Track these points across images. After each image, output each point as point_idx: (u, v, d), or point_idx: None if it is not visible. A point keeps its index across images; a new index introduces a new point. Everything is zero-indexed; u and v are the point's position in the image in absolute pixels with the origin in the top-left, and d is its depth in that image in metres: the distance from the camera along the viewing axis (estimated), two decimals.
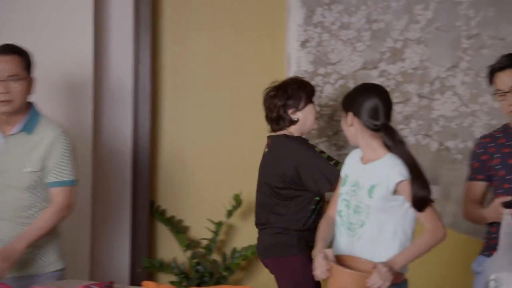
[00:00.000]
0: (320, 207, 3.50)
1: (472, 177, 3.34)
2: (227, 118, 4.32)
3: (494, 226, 3.17)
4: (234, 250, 4.26)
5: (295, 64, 4.24)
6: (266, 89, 3.64)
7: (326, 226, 3.08)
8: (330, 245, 3.04)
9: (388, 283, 2.77)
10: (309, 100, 3.56)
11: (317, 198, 3.50)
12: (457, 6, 4.24)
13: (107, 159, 4.19)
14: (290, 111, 3.53)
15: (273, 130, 3.60)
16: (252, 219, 4.30)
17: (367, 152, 2.99)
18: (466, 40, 4.23)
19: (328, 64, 4.25)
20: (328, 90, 4.22)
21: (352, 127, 2.99)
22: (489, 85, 3.28)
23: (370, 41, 4.24)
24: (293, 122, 3.54)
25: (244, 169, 4.30)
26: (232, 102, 4.32)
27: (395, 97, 4.24)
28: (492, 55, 4.22)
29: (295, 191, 3.46)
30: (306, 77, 4.21)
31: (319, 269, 2.85)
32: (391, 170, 2.88)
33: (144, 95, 4.29)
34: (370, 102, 2.93)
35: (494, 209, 3.09)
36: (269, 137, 3.64)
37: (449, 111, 4.25)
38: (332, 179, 3.34)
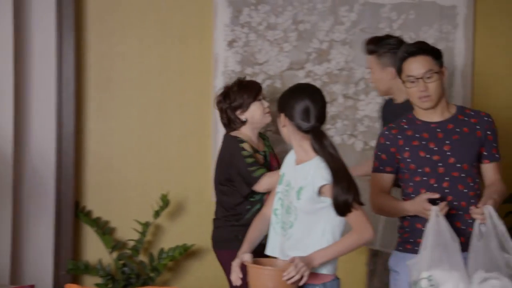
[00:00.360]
0: (259, 205, 3.54)
1: (379, 169, 3.23)
2: (154, 118, 4.24)
3: (407, 219, 3.14)
4: (162, 251, 4.18)
5: (223, 64, 4.19)
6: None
7: (257, 226, 3.07)
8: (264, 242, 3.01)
9: (305, 278, 2.77)
10: (254, 98, 3.65)
11: (252, 199, 3.52)
12: (380, 9, 4.29)
13: (29, 159, 4.05)
14: (237, 113, 3.66)
15: (228, 133, 3.72)
16: (179, 219, 4.24)
17: (300, 153, 2.98)
18: None
19: (255, 64, 4.22)
20: None
21: (285, 128, 2.98)
22: (398, 73, 3.14)
23: (296, 41, 4.24)
24: (243, 123, 3.66)
25: (172, 169, 4.24)
26: (159, 101, 4.23)
27: None
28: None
29: (230, 188, 3.59)
30: (233, 77, 4.17)
31: (234, 275, 2.88)
32: (316, 173, 2.87)
33: (68, 94, 4.16)
34: (301, 104, 2.91)
35: (419, 203, 3.03)
36: None
37: (373, 112, 4.29)
38: (250, 182, 3.51)
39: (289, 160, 3.05)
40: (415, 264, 2.93)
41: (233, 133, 3.65)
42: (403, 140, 3.16)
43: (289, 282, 2.75)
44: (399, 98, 3.65)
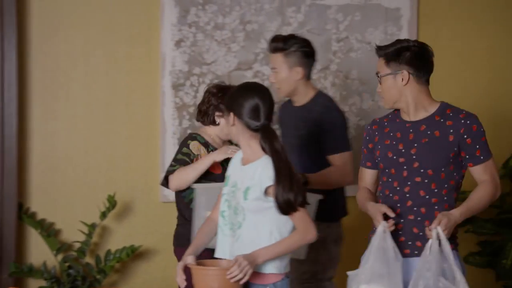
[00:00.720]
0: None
1: (362, 163, 3.22)
2: (101, 118, 4.14)
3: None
4: (108, 253, 4.08)
5: (170, 63, 4.12)
6: (212, 83, 3.66)
7: (203, 230, 3.01)
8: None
9: (247, 277, 2.73)
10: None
11: (191, 197, 3.41)
12: (327, 10, 4.29)
13: None
14: (217, 114, 3.45)
15: (196, 120, 3.58)
16: (127, 220, 4.14)
17: (247, 152, 2.93)
18: (335, 43, 4.28)
19: (203, 64, 4.16)
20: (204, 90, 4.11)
21: (234, 127, 2.92)
22: None
23: (244, 42, 4.20)
24: (214, 123, 3.49)
25: (119, 169, 4.16)
26: (106, 101, 4.13)
27: None
28: (359, 58, 4.30)
29: None
30: (181, 77, 4.10)
31: (178, 278, 2.84)
32: (263, 173, 2.83)
33: (11, 95, 4.03)
34: (250, 102, 2.86)
35: (375, 211, 2.97)
36: None
37: None
38: (165, 177, 3.39)
39: (234, 161, 3.00)
40: (355, 276, 2.90)
41: (199, 130, 3.53)
42: (378, 137, 3.12)
43: (233, 280, 2.71)
44: (301, 101, 3.60)
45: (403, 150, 3.02)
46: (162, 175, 4.05)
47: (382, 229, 2.89)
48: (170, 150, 4.09)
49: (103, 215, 4.02)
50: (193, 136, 3.48)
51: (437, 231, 2.86)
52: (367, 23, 4.32)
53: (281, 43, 3.54)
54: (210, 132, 3.51)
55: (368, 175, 3.20)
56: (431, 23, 4.48)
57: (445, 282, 2.81)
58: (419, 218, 2.96)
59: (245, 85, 2.99)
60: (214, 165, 3.39)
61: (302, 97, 3.57)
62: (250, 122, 2.84)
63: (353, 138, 3.89)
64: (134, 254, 4.10)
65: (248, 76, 4.20)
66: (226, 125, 3.09)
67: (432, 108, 3.04)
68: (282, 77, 3.57)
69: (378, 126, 3.16)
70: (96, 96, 4.13)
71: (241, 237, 2.86)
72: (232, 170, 2.97)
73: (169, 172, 3.37)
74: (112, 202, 4.02)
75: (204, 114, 3.49)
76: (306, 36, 4.18)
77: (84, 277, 4.03)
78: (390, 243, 2.87)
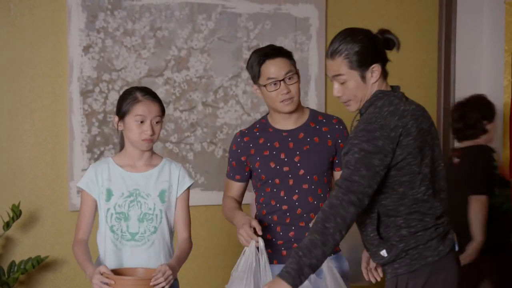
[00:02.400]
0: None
1: (229, 176, 3.13)
2: (5, 124, 3.93)
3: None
4: (12, 264, 3.86)
5: (78, 69, 3.95)
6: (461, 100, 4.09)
7: (83, 251, 2.87)
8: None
9: (169, 285, 2.72)
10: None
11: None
12: (237, 18, 4.23)
13: None
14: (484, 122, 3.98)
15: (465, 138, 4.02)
16: (32, 230, 3.95)
17: (143, 158, 2.88)
18: (246, 51, 4.22)
19: (112, 70, 4.02)
20: (114, 97, 4.00)
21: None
22: (255, 78, 2.98)
23: (154, 48, 4.08)
24: (484, 132, 4.00)
25: (24, 178, 3.95)
26: (10, 107, 3.93)
27: (180, 105, 4.12)
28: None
29: None
30: (89, 83, 3.94)
31: None
32: (182, 173, 2.91)
33: None
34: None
35: (243, 225, 2.85)
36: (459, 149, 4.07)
37: (232, 119, 4.23)
38: None
39: (106, 175, 2.86)
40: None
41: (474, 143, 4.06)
42: (254, 149, 3.04)
43: None
44: None
45: (286, 159, 2.99)
46: (70, 183, 3.90)
47: (254, 245, 2.81)
48: (79, 158, 3.93)
49: (7, 225, 3.80)
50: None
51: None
52: (277, 32, 4.29)
53: None
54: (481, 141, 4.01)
55: (235, 188, 3.13)
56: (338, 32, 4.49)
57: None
58: (310, 225, 2.88)
59: (125, 91, 2.95)
60: None
61: None
62: None
63: None
64: (40, 265, 3.90)
65: (159, 83, 4.08)
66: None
67: (305, 115, 3.06)
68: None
69: (249, 138, 3.07)
70: (0, 102, 3.91)
71: (156, 242, 2.86)
72: (111, 183, 2.88)
73: None
74: (16, 212, 3.81)
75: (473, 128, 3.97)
76: (216, 43, 4.14)
77: None
78: (264, 266, 2.80)
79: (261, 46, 4.19)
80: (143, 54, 4.07)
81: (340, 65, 2.56)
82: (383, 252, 2.55)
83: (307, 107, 3.11)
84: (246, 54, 4.22)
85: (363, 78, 2.56)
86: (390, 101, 2.56)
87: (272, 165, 2.99)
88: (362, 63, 2.54)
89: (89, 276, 2.73)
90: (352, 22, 4.50)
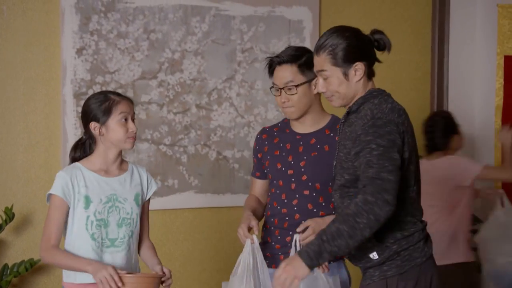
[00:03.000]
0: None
1: (252, 173, 3.15)
2: None
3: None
4: (5, 267, 3.83)
5: (72, 72, 3.93)
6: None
7: (65, 252, 2.82)
8: None
9: None
10: None
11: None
12: (231, 21, 4.21)
13: None
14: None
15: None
16: (26, 233, 3.93)
17: (116, 162, 2.87)
18: (240, 53, 4.21)
19: (106, 72, 3.99)
20: None
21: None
22: (270, 77, 3.02)
23: (148, 51, 4.06)
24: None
25: (17, 180, 3.92)
26: (3, 110, 3.90)
27: (174, 107, 4.10)
28: (263, 69, 4.24)
29: None
30: (83, 86, 3.92)
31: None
32: (150, 178, 2.95)
33: None
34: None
35: (242, 225, 2.83)
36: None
37: (226, 122, 4.21)
38: None
39: (82, 182, 2.79)
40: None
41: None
42: (268, 147, 3.04)
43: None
44: None
45: (292, 162, 2.96)
46: None
47: (249, 243, 2.79)
48: None
49: (0, 228, 3.78)
50: None
51: (295, 237, 2.80)
52: (271, 34, 4.28)
53: None
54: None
55: (257, 185, 3.13)
56: None
57: None
58: (303, 221, 2.88)
59: (96, 94, 2.95)
60: None
61: None
62: None
63: None
64: (33, 268, 3.88)
65: (152, 86, 4.06)
66: None
67: (324, 121, 3.01)
68: None
69: (267, 136, 3.08)
70: None
71: (132, 246, 2.87)
72: (88, 189, 2.82)
73: None
74: (9, 214, 3.78)
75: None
76: (210, 46, 4.12)
77: None
78: (261, 267, 2.79)
79: (254, 48, 4.22)
80: (137, 56, 4.05)
81: (324, 61, 2.54)
82: (373, 255, 2.51)
83: (331, 114, 3.05)
84: (240, 57, 4.21)
85: (346, 75, 2.53)
86: (385, 99, 2.54)
87: (279, 166, 2.98)
88: (345, 60, 2.52)
89: (94, 270, 2.66)
90: (346, 25, 4.49)
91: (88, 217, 2.78)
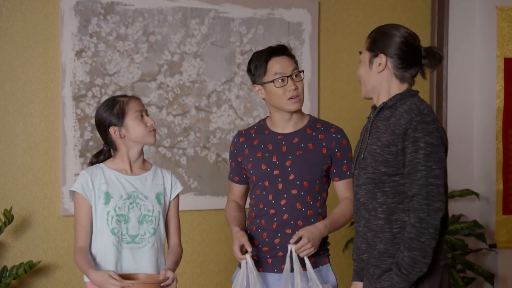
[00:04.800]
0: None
1: (230, 177, 3.11)
2: None
3: None
4: (4, 269, 3.81)
5: (71, 74, 3.91)
6: None
7: (84, 258, 2.82)
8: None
9: None
10: None
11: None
12: (230, 23, 4.19)
13: None
14: None
15: None
16: (25, 235, 3.91)
17: (137, 161, 2.91)
18: (239, 55, 4.19)
19: (105, 75, 3.98)
20: None
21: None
22: (259, 76, 2.94)
23: (147, 53, 4.05)
24: None
25: (16, 183, 3.90)
26: (3, 112, 3.89)
27: (173, 110, 4.08)
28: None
29: None
30: (82, 88, 3.91)
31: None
32: (174, 179, 2.96)
33: None
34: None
35: (234, 246, 2.84)
36: None
37: (225, 124, 4.19)
38: None
39: (102, 179, 2.85)
40: None
41: None
42: (248, 150, 3.01)
43: None
44: None
45: (277, 163, 2.94)
46: (62, 188, 3.87)
47: (245, 263, 2.80)
48: (71, 163, 3.89)
49: None
50: None
51: (290, 247, 2.79)
52: (270, 36, 4.26)
53: None
54: None
55: (236, 189, 3.11)
56: (332, 37, 4.47)
57: None
58: (296, 232, 2.87)
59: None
60: None
61: None
62: None
63: None
64: (32, 270, 3.86)
65: (152, 88, 4.04)
66: None
67: (304, 121, 3.00)
68: None
69: (245, 138, 3.04)
70: None
71: (156, 243, 2.88)
72: (107, 186, 2.86)
73: None
74: (8, 217, 3.76)
75: None
76: (209, 48, 4.11)
77: None
78: (253, 277, 2.79)
79: (254, 50, 4.18)
80: (136, 58, 4.04)
81: (364, 44, 2.58)
82: None
83: (308, 114, 3.06)
84: (239, 59, 4.20)
85: (370, 62, 2.54)
86: (420, 100, 2.55)
87: (263, 167, 2.95)
88: (372, 48, 2.53)
89: (97, 282, 2.69)
90: (345, 27, 4.49)
91: (108, 212, 2.81)
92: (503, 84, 4.66)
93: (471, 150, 4.69)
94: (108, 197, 2.83)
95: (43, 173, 3.92)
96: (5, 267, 3.83)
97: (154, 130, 2.88)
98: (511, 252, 4.72)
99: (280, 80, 2.91)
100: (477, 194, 4.55)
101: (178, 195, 2.99)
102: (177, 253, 2.93)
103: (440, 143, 2.43)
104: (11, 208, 3.77)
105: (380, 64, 2.53)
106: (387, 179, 2.48)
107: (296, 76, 2.93)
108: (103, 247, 2.82)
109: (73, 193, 2.86)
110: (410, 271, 2.40)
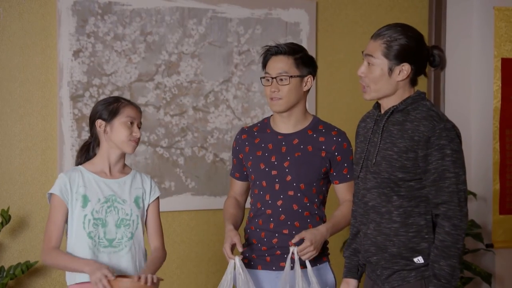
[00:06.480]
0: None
1: (231, 173, 3.12)
2: None
3: None
4: (1, 269, 3.80)
5: (68, 74, 3.90)
6: None
7: (64, 253, 2.81)
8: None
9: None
10: None
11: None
12: (228, 23, 4.18)
13: None
14: None
15: None
16: (22, 235, 3.90)
17: (117, 165, 2.89)
18: (237, 55, 4.18)
19: (103, 75, 3.96)
20: None
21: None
22: (263, 69, 2.99)
23: (145, 53, 4.03)
24: None
25: (13, 183, 3.89)
26: (0, 112, 3.87)
27: (171, 110, 4.07)
28: (260, 71, 4.22)
29: None
30: (79, 88, 3.90)
31: None
32: (153, 183, 2.95)
33: None
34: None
35: (225, 244, 2.83)
36: None
37: (223, 124, 4.18)
38: None
39: (80, 181, 2.82)
40: None
41: None
42: (249, 147, 3.00)
43: None
44: None
45: (275, 163, 2.93)
46: None
47: (233, 264, 2.79)
48: (68, 163, 3.87)
49: None
50: None
51: (292, 249, 2.78)
52: (268, 36, 4.25)
53: None
54: None
55: (237, 185, 3.11)
56: (329, 37, 4.47)
57: None
58: (294, 232, 2.88)
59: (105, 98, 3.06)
60: None
61: None
62: None
63: None
64: (29, 270, 3.85)
65: (149, 88, 4.03)
66: None
67: (306, 122, 2.98)
68: None
69: (247, 136, 3.04)
70: None
71: (135, 246, 2.85)
72: (86, 189, 2.83)
73: None
74: (6, 217, 3.75)
75: None
76: (207, 48, 4.10)
77: None
78: (242, 277, 2.77)
79: (251, 51, 4.20)
80: (134, 58, 4.03)
81: (377, 47, 2.53)
82: (419, 259, 2.52)
83: (313, 115, 3.04)
84: (237, 59, 4.19)
85: (391, 70, 2.52)
86: (432, 104, 2.56)
87: (262, 166, 2.94)
88: (396, 57, 2.51)
89: (90, 271, 2.65)
90: (343, 27, 4.49)
91: (85, 215, 2.79)
92: (500, 84, 4.65)
93: (468, 150, 4.68)
94: (85, 200, 2.80)
95: (40, 173, 3.91)
96: (2, 267, 3.81)
97: (136, 142, 2.85)
98: (508, 252, 4.72)
99: (265, 80, 2.94)
100: (474, 194, 4.54)
101: (158, 199, 2.96)
102: (157, 256, 2.90)
103: (461, 149, 2.48)
104: (9, 208, 3.76)
105: (401, 72, 2.53)
106: (403, 184, 2.50)
107: (281, 79, 2.90)
108: (79, 251, 2.78)
109: (50, 195, 2.83)
110: (450, 280, 2.44)
